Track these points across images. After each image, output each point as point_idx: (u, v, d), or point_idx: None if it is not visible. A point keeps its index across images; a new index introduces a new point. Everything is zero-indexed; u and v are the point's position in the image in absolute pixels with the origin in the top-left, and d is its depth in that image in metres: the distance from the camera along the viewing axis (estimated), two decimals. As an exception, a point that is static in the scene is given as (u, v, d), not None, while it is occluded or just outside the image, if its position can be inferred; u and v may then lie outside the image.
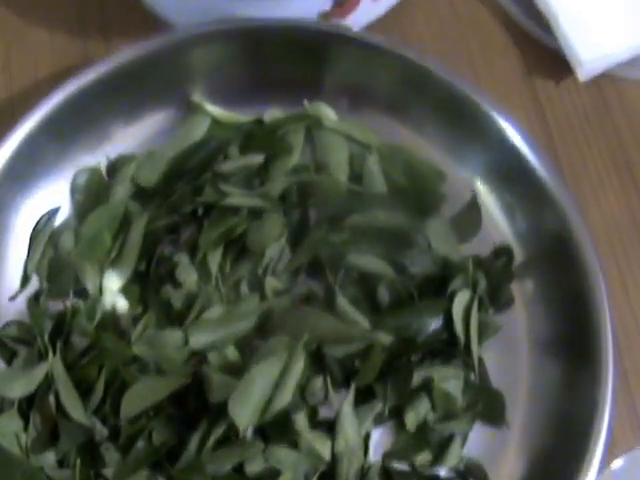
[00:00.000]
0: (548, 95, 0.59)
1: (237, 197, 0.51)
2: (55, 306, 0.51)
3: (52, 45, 0.60)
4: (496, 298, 0.52)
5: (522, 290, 0.53)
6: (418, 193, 0.53)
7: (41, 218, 0.53)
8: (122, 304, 0.50)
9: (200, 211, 0.52)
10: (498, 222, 0.54)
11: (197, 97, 0.54)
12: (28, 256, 0.52)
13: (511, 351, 0.52)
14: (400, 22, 0.60)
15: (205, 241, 0.50)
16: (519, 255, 0.53)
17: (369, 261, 0.50)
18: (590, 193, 0.56)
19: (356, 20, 0.56)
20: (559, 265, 0.51)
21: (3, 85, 0.59)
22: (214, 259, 0.50)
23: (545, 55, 0.60)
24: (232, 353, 0.48)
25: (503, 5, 0.61)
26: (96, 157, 0.54)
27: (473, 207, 0.54)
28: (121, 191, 0.52)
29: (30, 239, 0.53)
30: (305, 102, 0.55)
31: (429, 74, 0.53)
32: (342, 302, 0.48)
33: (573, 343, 0.50)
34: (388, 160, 0.53)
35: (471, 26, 0.61)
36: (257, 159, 0.52)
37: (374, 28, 0.58)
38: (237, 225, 0.50)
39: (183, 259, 0.50)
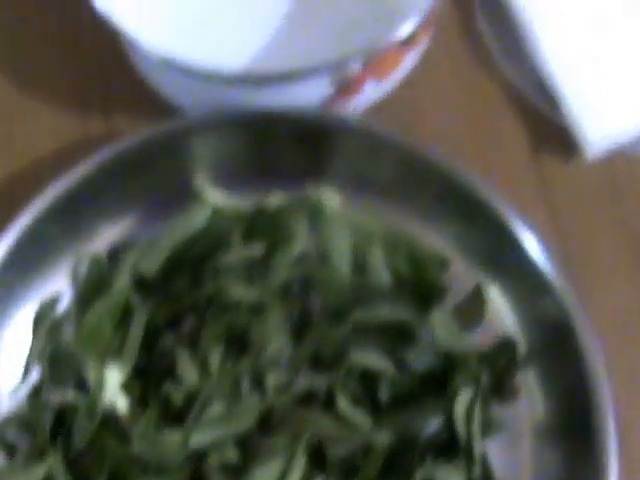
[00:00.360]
0: (555, 173, 0.59)
1: (238, 291, 0.50)
2: (56, 397, 0.51)
3: (53, 123, 0.60)
4: (500, 391, 0.51)
5: (524, 380, 0.52)
6: (421, 284, 0.52)
7: (42, 307, 0.53)
8: (122, 401, 0.50)
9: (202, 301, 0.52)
10: (500, 311, 0.53)
11: (198, 184, 0.54)
12: (30, 348, 0.52)
13: (513, 441, 0.51)
14: (405, 99, 0.59)
15: (206, 337, 0.50)
16: (522, 345, 0.52)
17: (371, 358, 0.50)
18: (598, 279, 0.56)
19: (360, 101, 0.56)
20: (561, 356, 0.51)
21: (3, 164, 0.59)
22: (215, 355, 0.50)
23: (553, 131, 0.59)
24: (232, 452, 0.48)
25: (510, 80, 0.60)
26: (98, 244, 0.54)
27: (477, 296, 0.53)
28: (122, 280, 0.52)
29: (32, 330, 0.52)
30: (308, 187, 0.54)
31: (431, 164, 0.53)
32: (342, 402, 0.48)
33: (575, 433, 0.50)
34: (391, 248, 0.53)
35: (477, 100, 0.61)
36: (258, 249, 0.52)
37: (378, 108, 0.58)
38: (238, 320, 0.50)
39: (183, 354, 0.50)
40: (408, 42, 0.53)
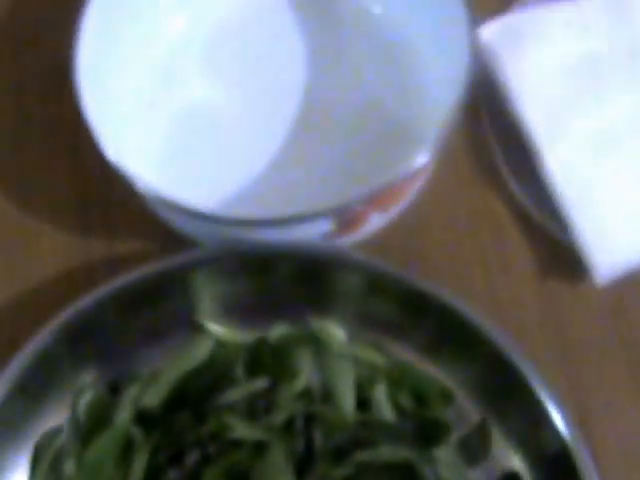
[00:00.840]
0: (562, 298, 0.59)
1: (241, 430, 0.50)
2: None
3: (54, 245, 0.60)
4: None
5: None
6: (426, 419, 0.52)
7: (41, 441, 0.53)
8: None
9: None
10: (504, 445, 0.54)
11: (201, 317, 0.54)
12: (30, 482, 0.52)
13: None
14: (410, 221, 0.60)
15: (209, 475, 0.50)
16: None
17: (374, 499, 0.49)
18: (604, 409, 0.56)
19: (364, 232, 0.56)
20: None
21: (3, 289, 0.59)
22: (218, 495, 0.50)
23: (561, 254, 0.60)
24: None
25: (518, 200, 0.60)
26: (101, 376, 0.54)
27: (482, 431, 0.53)
28: (123, 414, 0.52)
29: (31, 463, 0.52)
30: (311, 320, 0.54)
31: (433, 299, 0.53)
32: None
33: None
34: (395, 382, 0.53)
35: (484, 219, 0.61)
36: (262, 384, 0.52)
37: (383, 233, 0.59)
38: (241, 459, 0.50)
39: (186, 495, 0.50)
40: (418, 172, 0.52)
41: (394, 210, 0.57)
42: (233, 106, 0.62)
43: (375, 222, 0.56)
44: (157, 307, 0.55)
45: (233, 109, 0.62)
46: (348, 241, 0.57)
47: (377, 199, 0.53)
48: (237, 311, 0.56)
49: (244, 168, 0.60)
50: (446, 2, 0.56)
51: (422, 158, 0.52)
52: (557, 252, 0.60)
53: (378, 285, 0.54)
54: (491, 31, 0.62)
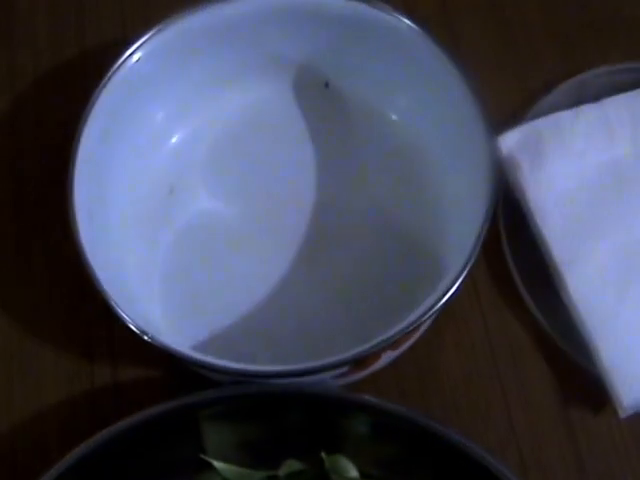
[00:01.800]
0: (584, 429, 0.57)
1: None
2: None
3: (57, 371, 0.59)
4: None
5: None
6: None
7: None
8: None
9: None
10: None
11: (209, 456, 0.53)
12: None
13: None
14: (426, 352, 0.59)
15: None
16: None
17: None
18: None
19: (376, 367, 0.55)
20: None
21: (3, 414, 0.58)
22: None
23: (583, 382, 0.58)
24: None
25: (539, 324, 0.58)
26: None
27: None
28: None
29: None
30: (323, 454, 0.53)
31: (443, 439, 0.52)
32: None
33: None
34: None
35: (504, 347, 0.60)
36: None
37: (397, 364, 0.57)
38: None
39: None
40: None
41: (408, 344, 0.55)
42: (238, 229, 0.61)
43: (387, 357, 0.54)
44: (165, 446, 0.53)
45: (238, 232, 0.61)
46: (359, 377, 0.55)
47: (396, 342, 0.51)
48: (247, 449, 0.54)
49: (246, 304, 0.59)
50: (464, 115, 0.53)
51: (448, 294, 0.50)
52: (580, 381, 0.58)
53: (386, 426, 0.53)
54: (510, 140, 0.60)
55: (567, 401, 0.57)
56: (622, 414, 0.55)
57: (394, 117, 0.61)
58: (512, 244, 0.60)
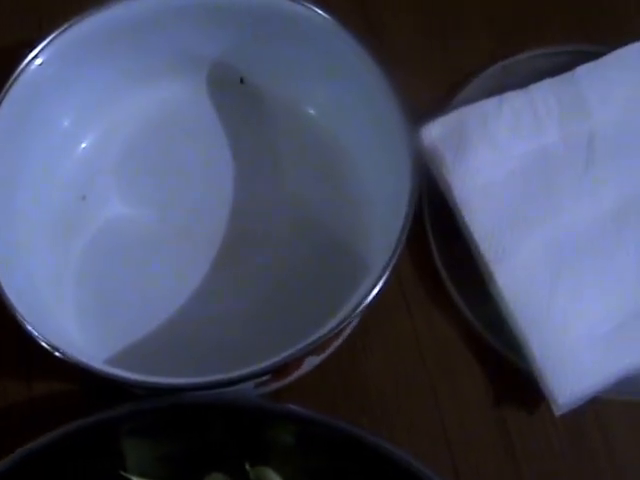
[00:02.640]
0: (519, 427, 0.56)
1: None
2: None
3: None
4: None
5: None
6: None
7: None
8: None
9: None
10: None
11: (129, 472, 0.51)
12: None
13: None
14: (352, 354, 0.57)
15: None
16: None
17: None
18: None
19: (299, 373, 0.53)
20: None
21: None
22: None
23: (517, 380, 0.57)
24: None
25: (472, 325, 0.57)
26: None
27: None
28: None
29: None
30: (247, 466, 0.51)
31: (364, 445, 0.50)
32: None
33: None
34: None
35: (433, 347, 0.58)
36: None
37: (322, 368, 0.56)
38: None
39: None
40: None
41: (332, 347, 0.53)
42: (154, 235, 0.59)
43: (311, 362, 0.53)
44: (83, 463, 0.51)
45: (154, 238, 0.59)
46: (282, 385, 0.53)
47: (319, 346, 0.49)
48: (168, 463, 0.52)
49: (165, 313, 0.57)
50: (381, 109, 0.52)
51: (369, 297, 0.48)
52: (513, 379, 0.57)
53: (311, 435, 0.51)
54: (433, 132, 0.58)
55: (500, 401, 0.56)
56: (557, 412, 0.54)
57: (312, 112, 0.60)
58: (438, 240, 0.58)
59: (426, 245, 0.58)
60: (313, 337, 0.47)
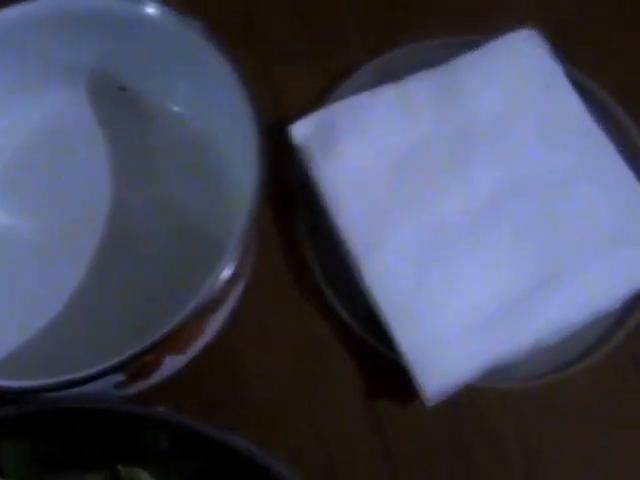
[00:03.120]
0: (394, 422, 0.56)
1: None
2: None
3: None
4: None
5: None
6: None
7: None
8: None
9: None
10: None
11: (4, 475, 0.52)
12: None
13: None
14: (224, 352, 0.57)
15: None
16: None
17: None
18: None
19: (164, 373, 0.53)
20: None
21: None
22: None
23: (391, 373, 0.56)
24: None
25: (344, 319, 0.57)
26: None
27: None
28: None
29: None
30: (119, 467, 0.52)
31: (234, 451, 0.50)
32: None
33: None
34: None
35: (306, 342, 0.59)
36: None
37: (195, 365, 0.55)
38: None
39: None
40: (213, 307, 0.50)
41: (198, 345, 0.54)
42: (33, 244, 0.60)
43: (175, 361, 0.53)
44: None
45: (33, 248, 0.60)
46: (146, 386, 0.54)
47: (167, 345, 0.50)
48: (44, 465, 0.53)
49: (41, 320, 0.58)
50: (235, 106, 0.53)
51: (209, 291, 0.48)
52: (387, 373, 0.57)
53: (182, 438, 0.51)
54: (302, 129, 0.59)
55: (374, 395, 0.56)
56: (428, 404, 0.54)
57: (184, 113, 0.60)
58: (310, 236, 0.59)
59: (299, 243, 0.58)
60: (156, 335, 0.47)
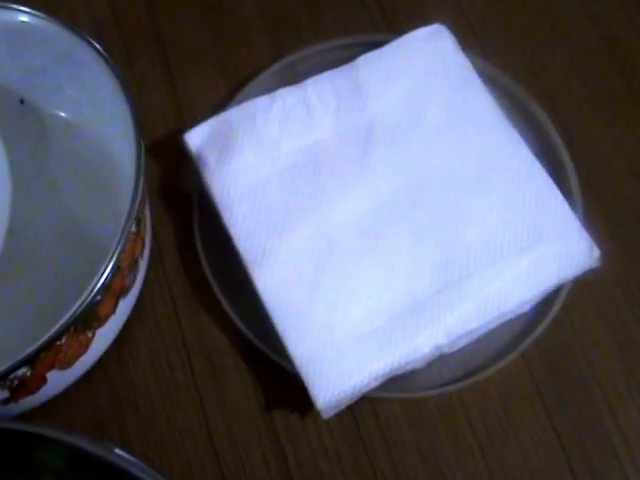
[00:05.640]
0: (291, 433, 0.56)
1: None
2: None
3: None
4: None
5: None
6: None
7: None
8: None
9: None
10: None
11: None
12: None
13: None
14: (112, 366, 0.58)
15: None
16: None
17: None
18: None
19: (49, 391, 0.54)
20: None
21: None
22: None
23: (289, 386, 0.56)
24: None
25: (240, 330, 0.58)
26: None
27: None
28: None
29: None
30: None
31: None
32: None
33: None
34: None
35: (202, 353, 0.59)
36: None
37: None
38: None
39: None
40: (90, 323, 0.51)
41: (88, 360, 0.54)
42: None
43: (62, 377, 0.54)
44: None
45: None
46: (37, 402, 0.54)
47: (43, 362, 0.50)
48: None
49: None
50: (121, 116, 0.53)
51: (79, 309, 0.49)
52: (284, 384, 0.57)
53: (74, 456, 0.51)
54: (197, 136, 0.59)
55: (271, 406, 0.56)
56: (323, 415, 0.54)
57: (83, 125, 0.61)
58: (206, 245, 0.59)
59: (196, 251, 0.58)
60: (27, 350, 0.48)
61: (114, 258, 0.49)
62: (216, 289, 0.58)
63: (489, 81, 0.62)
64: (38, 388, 0.53)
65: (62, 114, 0.62)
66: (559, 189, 0.59)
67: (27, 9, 0.56)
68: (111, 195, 0.59)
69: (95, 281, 0.49)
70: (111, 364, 0.57)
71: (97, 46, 0.54)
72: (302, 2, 0.68)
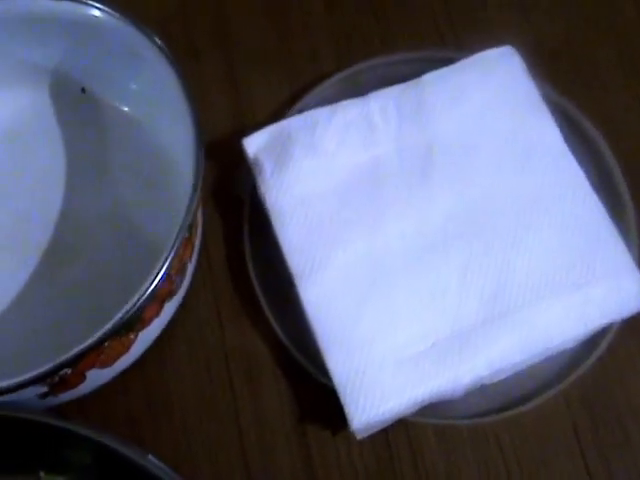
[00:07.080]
0: (321, 449, 0.57)
1: None
2: None
3: None
4: None
5: None
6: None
7: None
8: None
9: None
10: None
11: None
12: None
13: None
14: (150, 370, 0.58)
15: None
16: None
17: None
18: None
19: (87, 387, 0.55)
20: None
21: None
22: None
23: (325, 400, 0.57)
24: None
25: (280, 340, 0.58)
26: None
27: None
28: None
29: None
30: (42, 474, 0.54)
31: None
32: None
33: None
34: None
35: (241, 363, 0.60)
36: None
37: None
38: None
39: None
40: (134, 326, 0.51)
41: (127, 360, 0.55)
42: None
43: (100, 375, 0.55)
44: None
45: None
46: (74, 396, 0.55)
47: (85, 362, 0.51)
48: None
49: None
50: (182, 116, 0.54)
51: (131, 310, 0.49)
52: (320, 397, 0.57)
53: (101, 452, 0.52)
54: (256, 142, 0.59)
55: (305, 421, 0.57)
56: (357, 436, 0.54)
57: (143, 120, 0.62)
58: (255, 252, 0.60)
59: (243, 257, 0.59)
60: (74, 350, 0.49)
61: (165, 265, 0.50)
62: (261, 297, 0.58)
63: (554, 108, 0.61)
64: (77, 385, 0.54)
65: (124, 108, 0.63)
66: (616, 227, 0.58)
67: (99, 4, 0.56)
68: (165, 192, 0.60)
69: (144, 288, 0.49)
70: (149, 364, 0.57)
71: (161, 44, 0.55)
72: (371, 13, 0.68)
